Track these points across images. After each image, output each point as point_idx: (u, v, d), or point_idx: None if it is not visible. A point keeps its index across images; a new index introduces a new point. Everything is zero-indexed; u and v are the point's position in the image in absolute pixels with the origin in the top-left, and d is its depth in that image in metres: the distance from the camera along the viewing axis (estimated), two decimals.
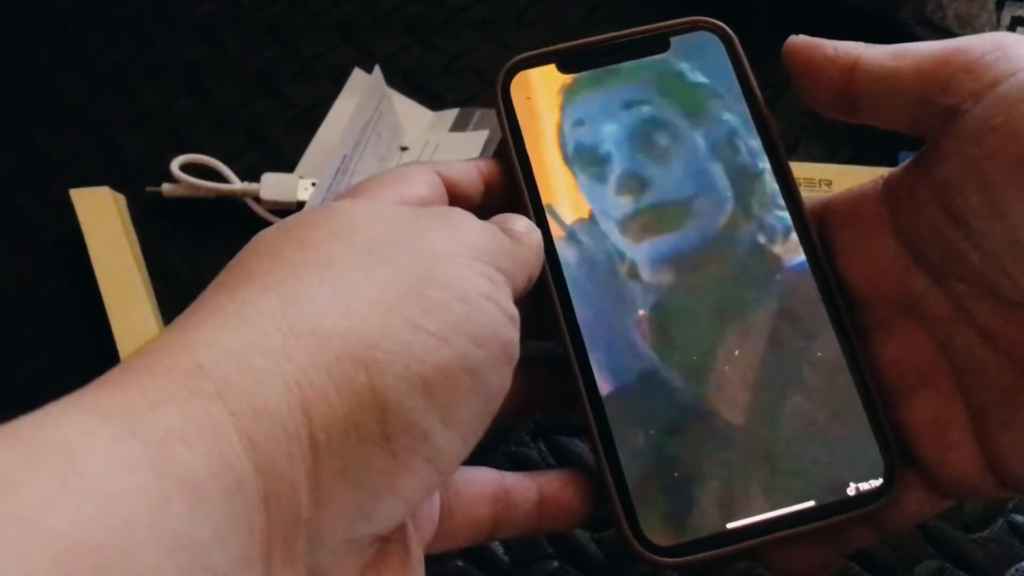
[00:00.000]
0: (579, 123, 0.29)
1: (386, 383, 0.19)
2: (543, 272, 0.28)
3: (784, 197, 0.29)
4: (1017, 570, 0.33)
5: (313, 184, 0.42)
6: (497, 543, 0.34)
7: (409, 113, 0.47)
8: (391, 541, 0.22)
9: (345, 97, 0.47)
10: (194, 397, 0.18)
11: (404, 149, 0.45)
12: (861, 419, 0.27)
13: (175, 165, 0.43)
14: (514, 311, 0.23)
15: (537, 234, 0.27)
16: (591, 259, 0.28)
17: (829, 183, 0.40)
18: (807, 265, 0.28)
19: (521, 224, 0.26)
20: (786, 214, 0.28)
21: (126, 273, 0.40)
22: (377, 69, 0.45)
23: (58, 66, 0.49)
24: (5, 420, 0.16)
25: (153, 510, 0.16)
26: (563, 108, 0.29)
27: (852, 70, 0.26)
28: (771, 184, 0.29)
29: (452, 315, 0.21)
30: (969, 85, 0.24)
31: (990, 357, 0.25)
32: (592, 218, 0.29)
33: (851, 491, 0.26)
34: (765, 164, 0.29)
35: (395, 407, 0.19)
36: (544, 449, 0.37)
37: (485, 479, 0.28)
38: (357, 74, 0.47)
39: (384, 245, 0.21)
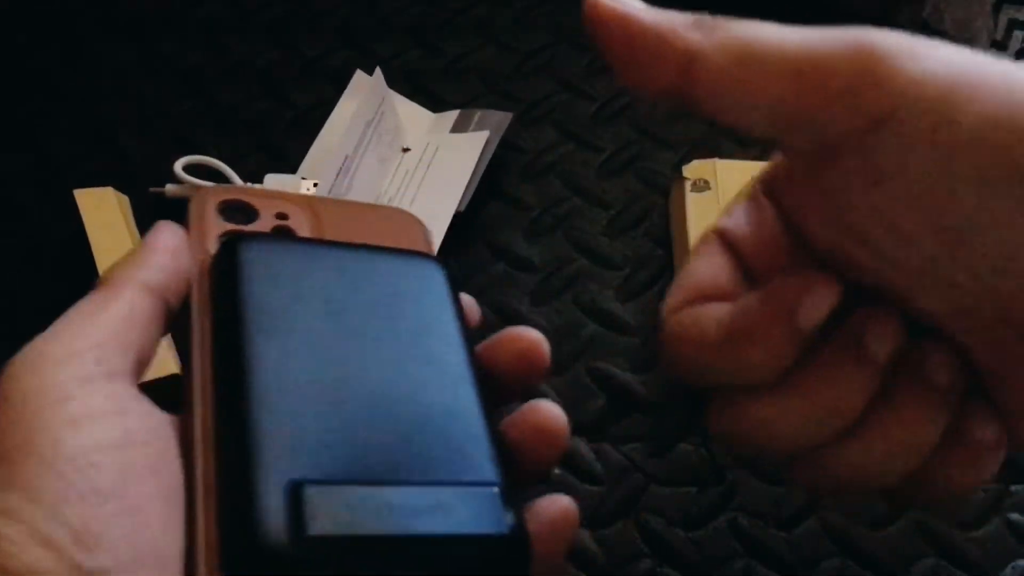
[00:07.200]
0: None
1: None
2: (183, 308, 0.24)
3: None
4: (1014, 568, 0.33)
5: (315, 185, 0.42)
6: None
7: (410, 115, 0.47)
8: None
9: (347, 99, 0.47)
10: None
11: (406, 150, 0.46)
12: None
13: (178, 166, 0.43)
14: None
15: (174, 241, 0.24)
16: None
17: None
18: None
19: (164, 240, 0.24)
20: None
21: None
22: (378, 71, 0.45)
23: (62, 68, 0.50)
24: None
25: None
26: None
27: (688, 67, 0.21)
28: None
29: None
30: (840, 123, 0.20)
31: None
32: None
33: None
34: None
35: None
36: None
37: None
38: (359, 76, 0.48)
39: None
